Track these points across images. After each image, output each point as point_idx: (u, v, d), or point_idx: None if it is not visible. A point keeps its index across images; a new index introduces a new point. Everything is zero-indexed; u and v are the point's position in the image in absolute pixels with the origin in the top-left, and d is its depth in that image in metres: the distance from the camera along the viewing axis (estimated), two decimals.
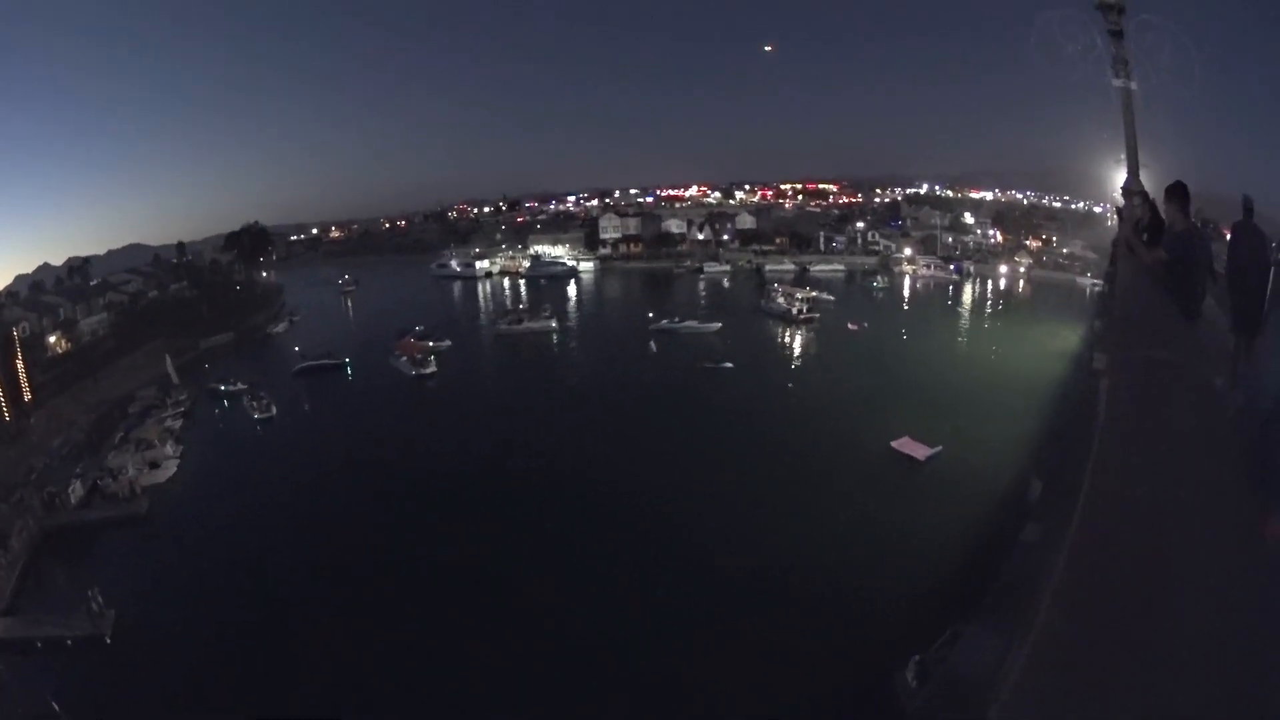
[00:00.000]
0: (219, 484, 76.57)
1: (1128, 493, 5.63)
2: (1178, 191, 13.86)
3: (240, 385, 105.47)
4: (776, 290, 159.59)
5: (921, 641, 43.24)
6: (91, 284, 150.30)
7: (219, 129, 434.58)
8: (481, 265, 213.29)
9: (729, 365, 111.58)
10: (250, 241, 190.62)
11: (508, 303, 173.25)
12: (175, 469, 79.01)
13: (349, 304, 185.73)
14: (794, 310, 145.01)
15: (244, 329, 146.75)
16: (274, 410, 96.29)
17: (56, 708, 44.00)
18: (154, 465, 77.81)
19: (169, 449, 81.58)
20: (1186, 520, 5.10)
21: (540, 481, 71.96)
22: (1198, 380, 8.61)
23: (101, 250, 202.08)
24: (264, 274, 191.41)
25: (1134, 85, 33.62)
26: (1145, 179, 35.34)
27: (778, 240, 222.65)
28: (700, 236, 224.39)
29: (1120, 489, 5.71)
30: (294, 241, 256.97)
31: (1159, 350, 9.90)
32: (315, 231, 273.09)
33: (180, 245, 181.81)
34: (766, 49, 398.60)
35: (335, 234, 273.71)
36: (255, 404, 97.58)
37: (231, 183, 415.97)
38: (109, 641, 50.87)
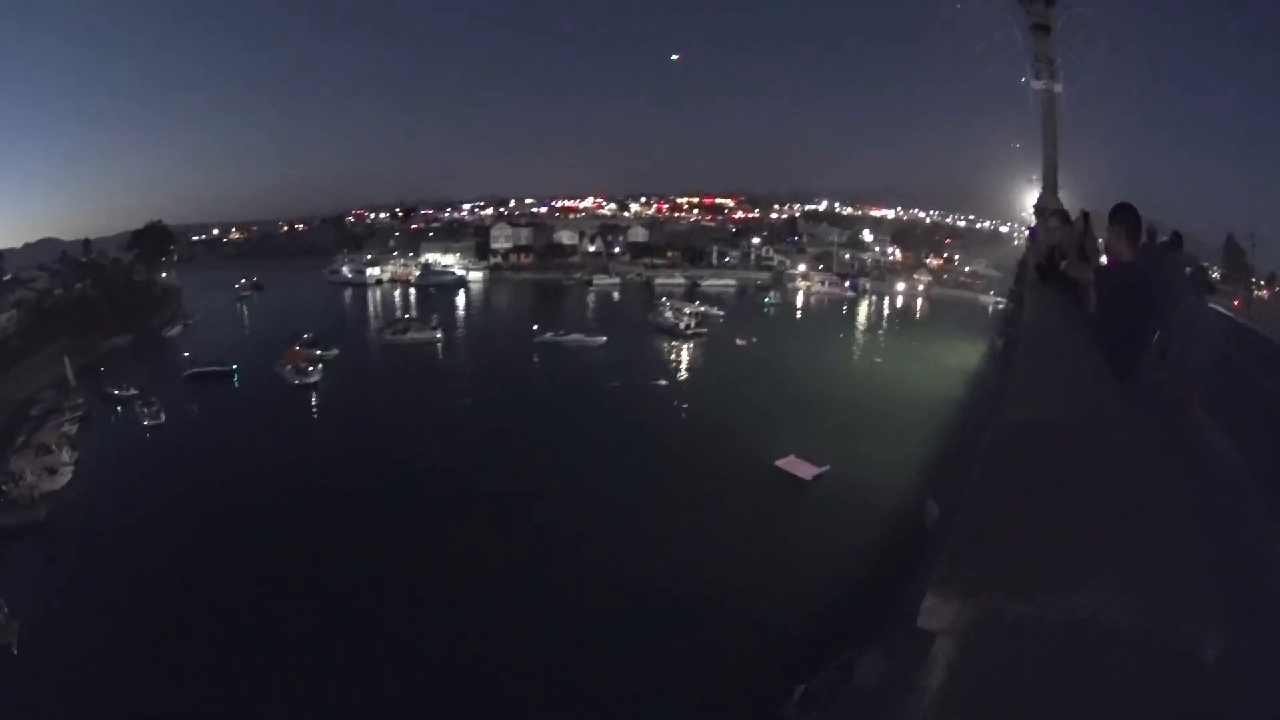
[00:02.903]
0: (112, 492, 76.94)
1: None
2: (1125, 215, 11.30)
3: (132, 390, 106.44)
4: (665, 304, 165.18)
5: (806, 671, 43.74)
6: (4, 279, 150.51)
7: (129, 120, 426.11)
8: (373, 273, 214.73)
9: (663, 383, 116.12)
10: (153, 240, 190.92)
11: (397, 311, 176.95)
12: (70, 475, 79.97)
13: (244, 309, 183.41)
14: (682, 325, 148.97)
15: (142, 332, 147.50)
16: (163, 417, 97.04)
17: None
18: (51, 471, 78.46)
19: (65, 455, 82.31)
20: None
21: (407, 494, 72.79)
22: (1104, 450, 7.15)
23: (18, 244, 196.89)
24: (164, 274, 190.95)
25: (1058, 88, 31.46)
26: (1063, 196, 33.66)
27: (669, 254, 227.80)
28: (592, 248, 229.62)
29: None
30: (195, 242, 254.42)
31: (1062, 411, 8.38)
32: (216, 232, 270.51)
33: (86, 242, 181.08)
34: (674, 58, 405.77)
35: (236, 235, 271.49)
36: (146, 410, 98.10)
37: (142, 177, 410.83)
38: (15, 653, 50.80)
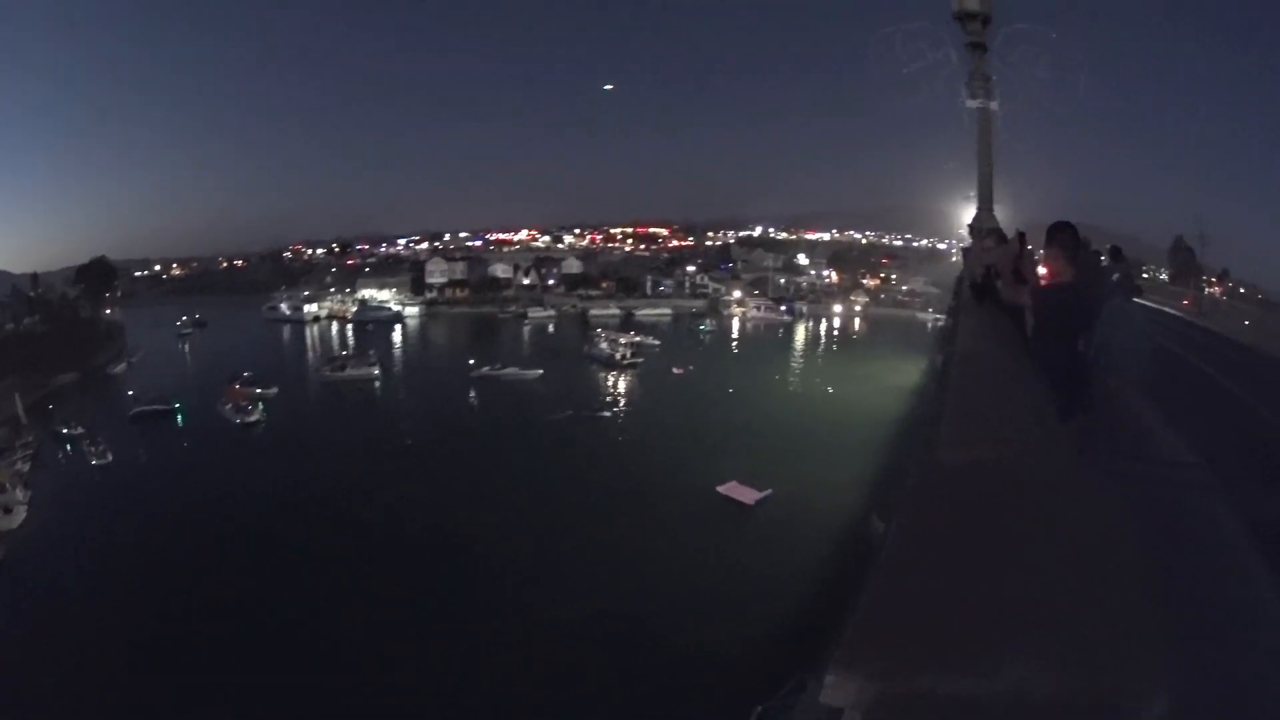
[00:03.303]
0: (65, 532, 75.70)
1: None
2: (1063, 234, 10.38)
3: (80, 429, 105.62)
4: (600, 335, 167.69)
5: (764, 692, 41.57)
6: None
7: (73, 153, 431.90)
8: (310, 309, 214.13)
9: (603, 415, 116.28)
10: (97, 276, 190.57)
11: (335, 347, 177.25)
12: (25, 515, 78.92)
13: (186, 346, 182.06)
14: (618, 355, 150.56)
15: (88, 369, 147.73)
16: (110, 457, 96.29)
17: None
18: (7, 510, 77.74)
19: (19, 494, 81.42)
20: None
21: (352, 535, 70.85)
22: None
23: None
24: (108, 311, 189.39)
25: (995, 105, 30.64)
26: (999, 214, 33.29)
27: (604, 284, 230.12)
28: (526, 281, 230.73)
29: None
30: (138, 278, 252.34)
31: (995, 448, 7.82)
32: (158, 268, 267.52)
33: (34, 276, 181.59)
34: (608, 88, 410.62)
35: (177, 271, 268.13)
36: (93, 449, 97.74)
37: (85, 211, 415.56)
38: None
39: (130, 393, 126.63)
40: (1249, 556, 6.91)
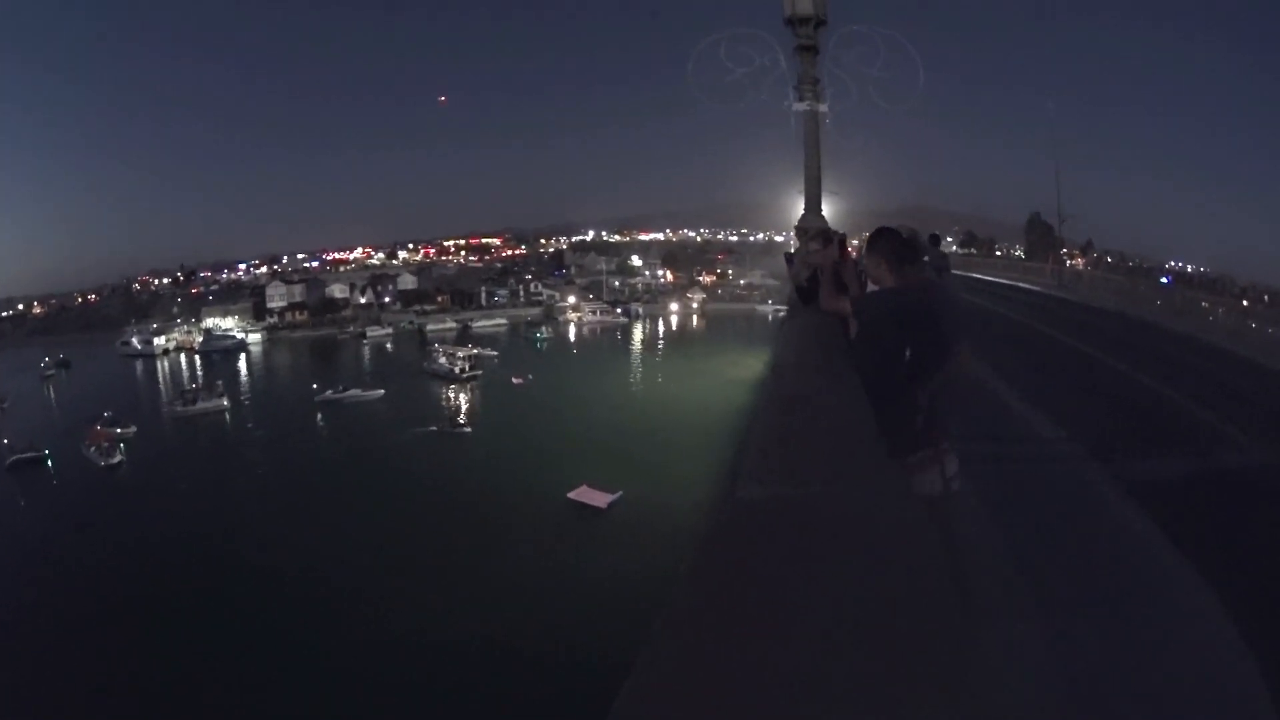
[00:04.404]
0: None
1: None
2: (885, 241, 9.11)
3: None
4: (438, 350, 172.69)
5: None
6: None
7: None
8: (159, 342, 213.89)
9: (468, 430, 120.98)
10: None
11: (185, 381, 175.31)
12: None
13: (50, 388, 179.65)
14: (456, 369, 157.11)
15: None
16: None
17: None
18: None
19: None
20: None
21: (214, 578, 69.31)
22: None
23: None
24: None
25: (823, 107, 29.28)
26: (832, 209, 33.53)
27: (439, 299, 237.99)
28: (363, 300, 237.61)
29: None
30: (4, 318, 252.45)
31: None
32: (21, 307, 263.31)
33: None
34: (440, 100, 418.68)
35: (38, 310, 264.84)
36: None
37: None
38: None
39: (5, 441, 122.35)
40: (1133, 518, 8.19)
